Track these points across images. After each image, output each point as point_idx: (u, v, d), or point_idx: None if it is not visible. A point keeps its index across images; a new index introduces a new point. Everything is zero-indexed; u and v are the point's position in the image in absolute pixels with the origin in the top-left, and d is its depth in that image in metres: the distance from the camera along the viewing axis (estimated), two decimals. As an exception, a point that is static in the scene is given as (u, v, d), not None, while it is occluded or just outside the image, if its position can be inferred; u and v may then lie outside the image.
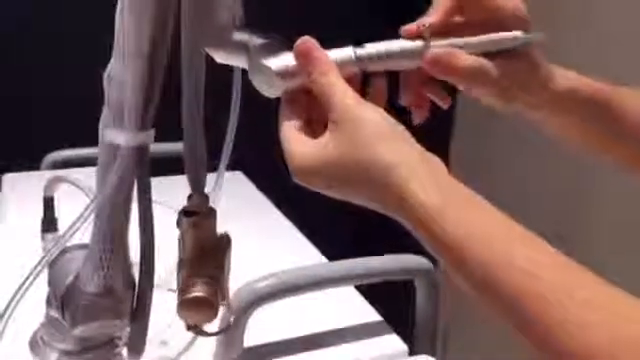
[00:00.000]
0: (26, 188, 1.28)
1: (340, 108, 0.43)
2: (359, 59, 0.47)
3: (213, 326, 0.54)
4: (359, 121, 0.42)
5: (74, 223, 0.51)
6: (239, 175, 1.46)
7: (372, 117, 0.43)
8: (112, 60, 0.51)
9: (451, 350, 1.60)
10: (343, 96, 0.43)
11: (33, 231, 0.84)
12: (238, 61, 0.49)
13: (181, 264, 0.52)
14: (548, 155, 1.53)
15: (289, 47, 0.47)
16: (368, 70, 0.48)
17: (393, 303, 0.99)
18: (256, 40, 0.47)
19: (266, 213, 1.32)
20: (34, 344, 0.57)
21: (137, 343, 0.55)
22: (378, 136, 0.42)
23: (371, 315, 0.96)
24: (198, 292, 0.50)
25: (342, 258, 0.89)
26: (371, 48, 0.48)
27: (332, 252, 1.06)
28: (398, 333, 0.92)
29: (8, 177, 1.42)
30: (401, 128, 0.43)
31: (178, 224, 0.52)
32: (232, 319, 0.55)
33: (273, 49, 0.47)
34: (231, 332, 0.78)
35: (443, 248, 0.39)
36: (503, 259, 0.37)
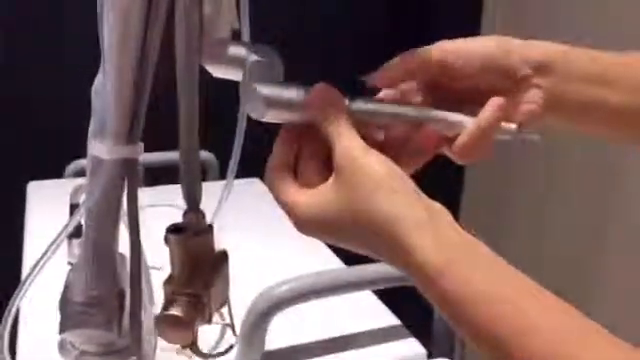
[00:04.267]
0: (51, 195, 1.31)
1: (344, 157, 0.41)
2: (350, 113, 0.44)
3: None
4: (361, 172, 0.40)
5: (61, 232, 0.51)
6: (256, 181, 1.47)
7: (375, 168, 0.40)
8: (99, 73, 0.50)
9: (470, 354, 1.60)
10: (349, 145, 0.41)
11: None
12: (235, 76, 0.46)
13: (167, 280, 0.51)
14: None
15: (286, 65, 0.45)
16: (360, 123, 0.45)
17: (411, 307, 1.00)
18: (252, 57, 0.45)
19: (284, 219, 1.33)
20: (62, 344, 0.58)
21: (135, 352, 0.55)
22: (380, 188, 0.39)
23: (390, 319, 0.97)
24: (176, 311, 0.49)
25: (360, 263, 0.90)
26: (364, 104, 0.46)
27: (350, 257, 1.07)
28: (417, 337, 0.93)
29: (33, 185, 1.45)
30: (406, 179, 0.41)
31: (165, 240, 0.51)
32: (235, 341, 0.54)
33: (268, 68, 0.45)
34: (252, 336, 0.79)
35: (447, 307, 0.38)
36: (510, 321, 0.35)
